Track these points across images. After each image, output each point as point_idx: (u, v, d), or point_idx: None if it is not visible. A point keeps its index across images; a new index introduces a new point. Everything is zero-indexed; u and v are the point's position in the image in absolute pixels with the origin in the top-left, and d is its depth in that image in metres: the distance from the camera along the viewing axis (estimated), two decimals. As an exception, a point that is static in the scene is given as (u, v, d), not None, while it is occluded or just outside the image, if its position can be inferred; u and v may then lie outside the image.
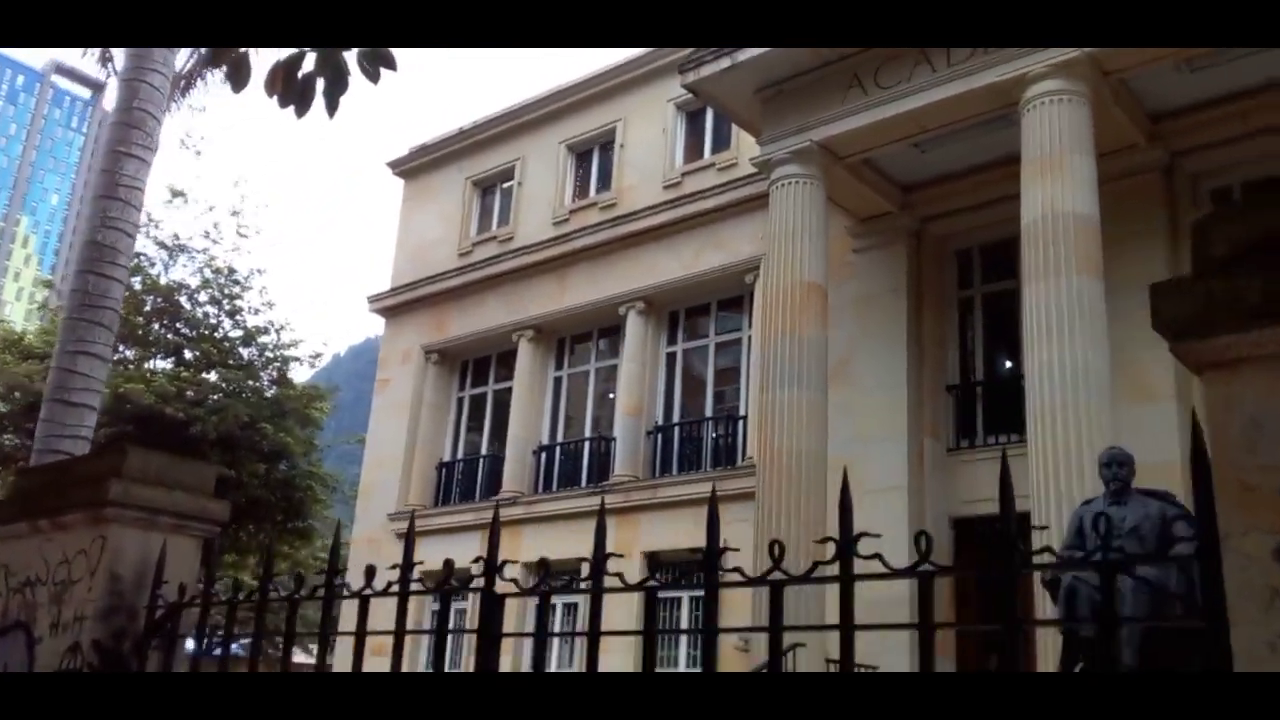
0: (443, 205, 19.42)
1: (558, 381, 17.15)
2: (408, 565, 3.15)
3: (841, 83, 11.61)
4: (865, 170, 12.57)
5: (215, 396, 20.14)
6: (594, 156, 17.73)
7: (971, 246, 13.19)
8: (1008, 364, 12.86)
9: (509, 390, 17.30)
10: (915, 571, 2.24)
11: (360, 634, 3.04)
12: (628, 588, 2.75)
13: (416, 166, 20.25)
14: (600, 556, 2.72)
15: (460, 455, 18.11)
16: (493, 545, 2.98)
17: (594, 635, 2.70)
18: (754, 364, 14.17)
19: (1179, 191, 11.41)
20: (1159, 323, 1.91)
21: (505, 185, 18.79)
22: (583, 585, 2.75)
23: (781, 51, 11.64)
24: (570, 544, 14.73)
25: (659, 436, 15.29)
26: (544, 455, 16.76)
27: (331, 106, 3.89)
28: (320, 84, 3.88)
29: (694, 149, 16.34)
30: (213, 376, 21.01)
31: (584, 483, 15.90)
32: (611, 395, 16.28)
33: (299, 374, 28.42)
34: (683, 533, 13.83)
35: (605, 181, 17.21)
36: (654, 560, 14.25)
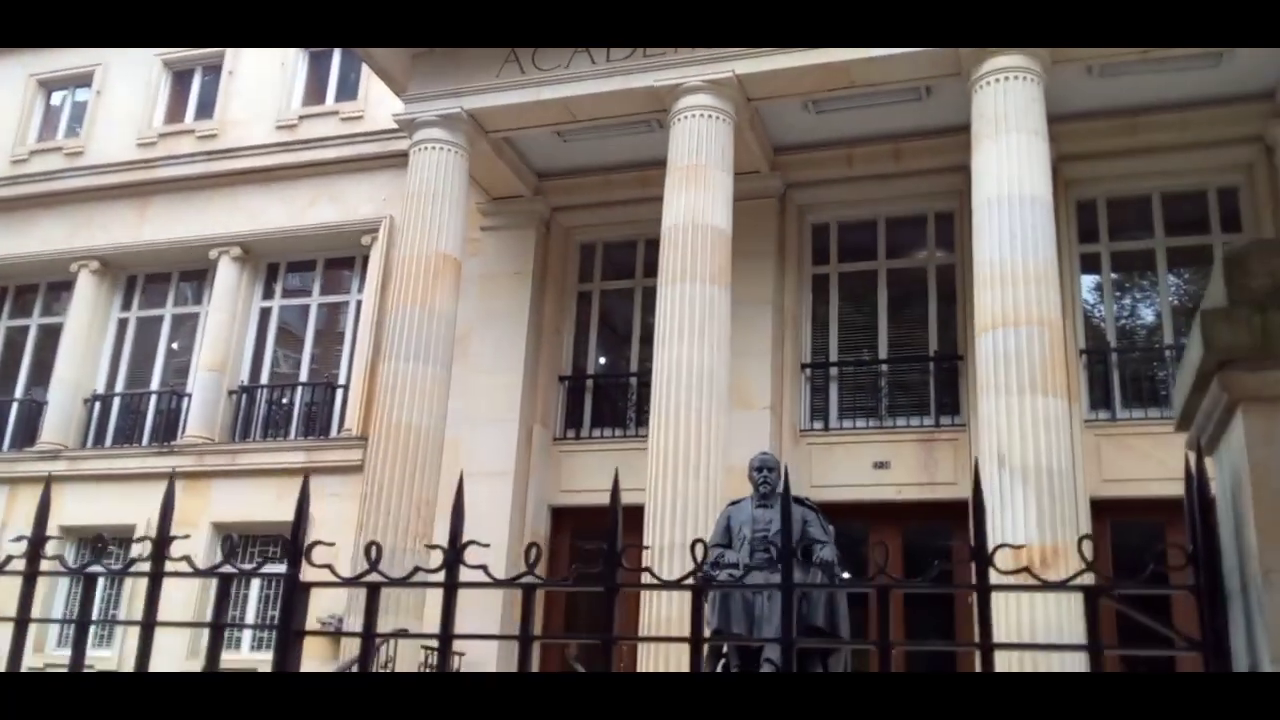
0: (-6, 101, 16.52)
1: (123, 323, 15.18)
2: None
3: (498, 55, 11.32)
4: (506, 148, 12.36)
5: None
6: (195, 78, 15.92)
7: (596, 242, 13.44)
8: (619, 361, 13.24)
9: (60, 326, 15.06)
10: (518, 583, 2.43)
11: None
12: (197, 573, 2.52)
13: (-39, 50, 17.04)
14: (165, 533, 2.47)
15: (-16, 396, 15.49)
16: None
17: (148, 625, 2.42)
18: (363, 330, 13.46)
19: (789, 220, 12.37)
20: (1209, 351, 1.89)
21: (80, 91, 16.35)
22: (142, 566, 2.51)
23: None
24: (124, 508, 13.14)
25: (243, 397, 14.02)
26: (98, 405, 14.76)
27: None
28: None
29: (316, 92, 15.21)
30: None
31: (146, 441, 14.20)
32: (188, 347, 14.71)
33: None
34: (263, 504, 12.78)
35: (207, 109, 15.52)
36: (225, 533, 13.05)
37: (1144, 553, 10.89)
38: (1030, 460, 8.60)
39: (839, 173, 12.20)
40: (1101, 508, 10.33)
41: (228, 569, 2.51)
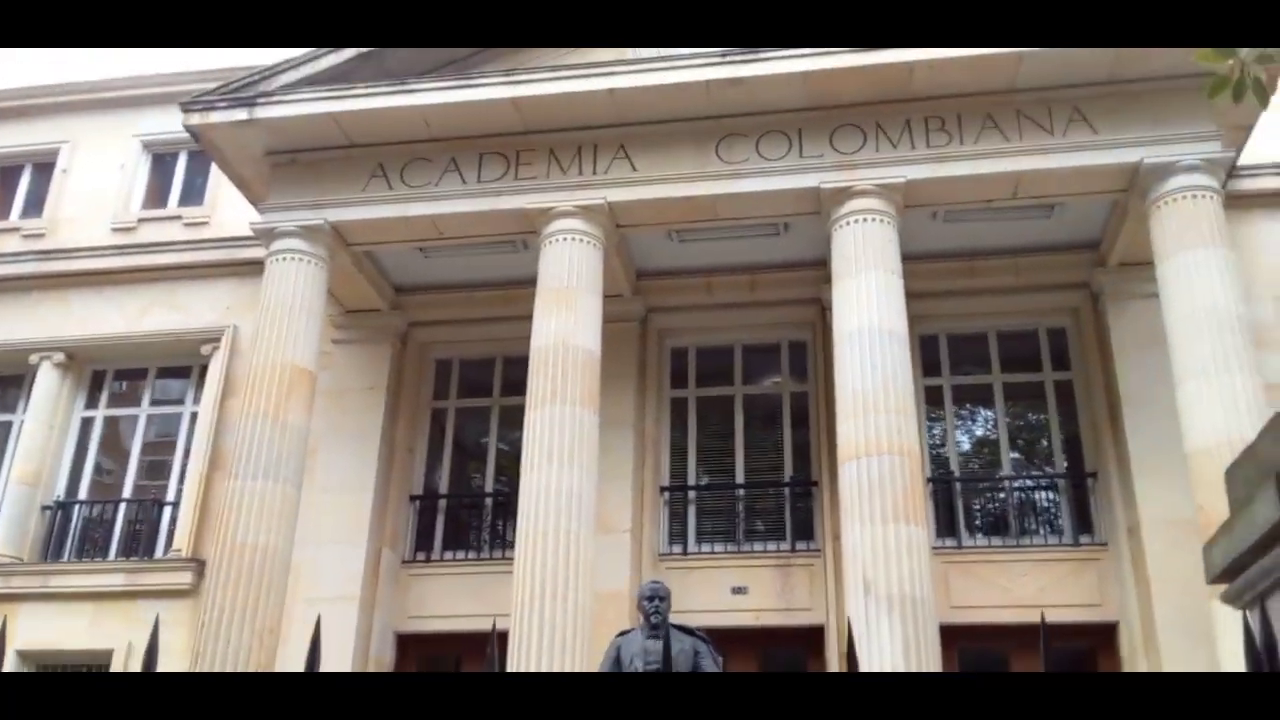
0: None
1: (-76, 431, 13.89)
2: None
3: (365, 168, 11.19)
4: (365, 262, 12.12)
5: None
6: (24, 175, 15.07)
7: (453, 358, 13.24)
8: (473, 481, 12.94)
9: None
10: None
11: None
12: None
13: None
14: None
15: None
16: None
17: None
18: (197, 444, 12.72)
19: (649, 343, 12.53)
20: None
21: (-111, 181, 15.21)
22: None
23: (308, 120, 10.96)
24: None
25: (58, 513, 12.93)
26: (-116, 520, 13.31)
27: None
28: None
29: (157, 196, 14.61)
30: None
31: (-58, 560, 12.87)
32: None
33: None
34: (76, 631, 11.74)
35: (36, 207, 14.66)
36: (31, 663, 11.88)
37: (992, 678, 11.24)
38: (895, 588, 8.79)
39: (699, 299, 12.50)
40: (949, 634, 10.59)
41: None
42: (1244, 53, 3.92)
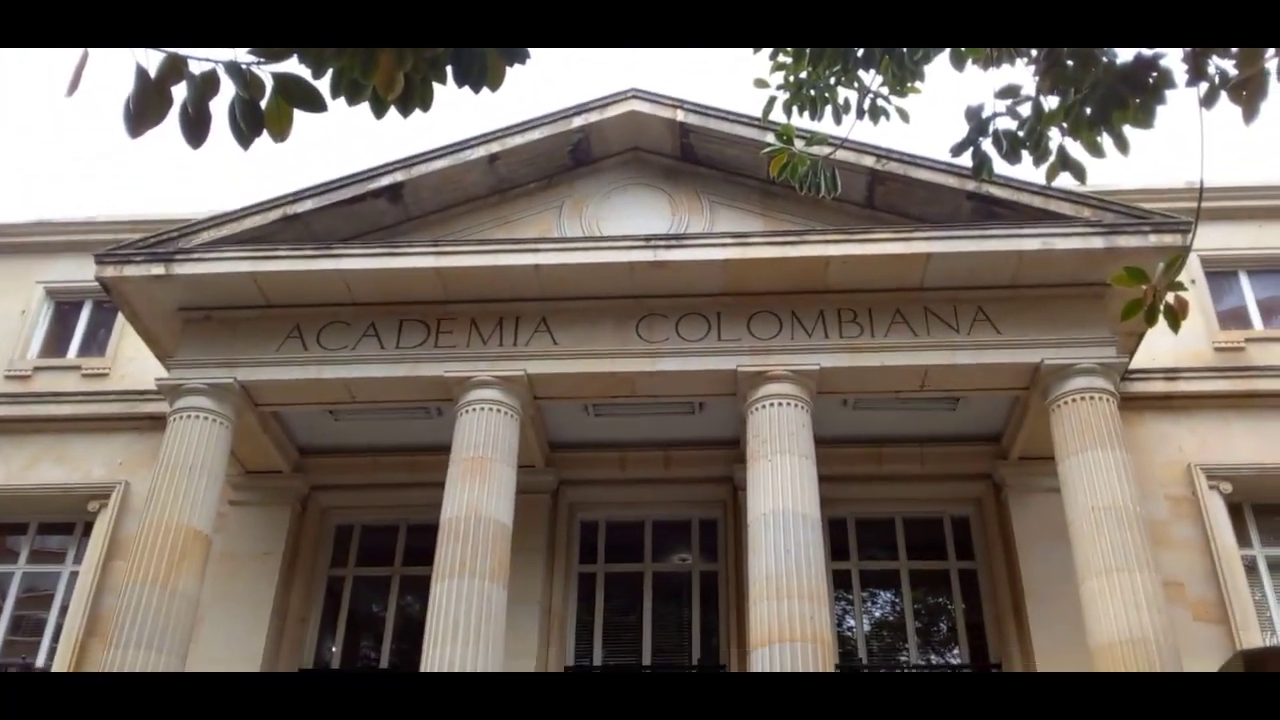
0: None
1: None
2: None
3: (281, 329, 11.06)
4: (272, 422, 11.84)
5: None
6: (-89, 315, 14.49)
7: (354, 524, 12.85)
8: (369, 654, 12.39)
9: None
10: None
11: None
12: None
13: None
14: None
15: None
16: None
17: None
18: (75, 605, 11.98)
19: (560, 516, 12.38)
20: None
21: None
22: None
23: (227, 278, 10.86)
24: None
25: (-90, 678, 11.93)
26: None
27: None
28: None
29: (57, 345, 14.15)
30: None
31: None
32: None
33: None
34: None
35: (-80, 349, 14.05)
36: None
37: None
38: (807, 782, 8.57)
39: (611, 474, 12.46)
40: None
41: None
42: (1157, 278, 4.19)
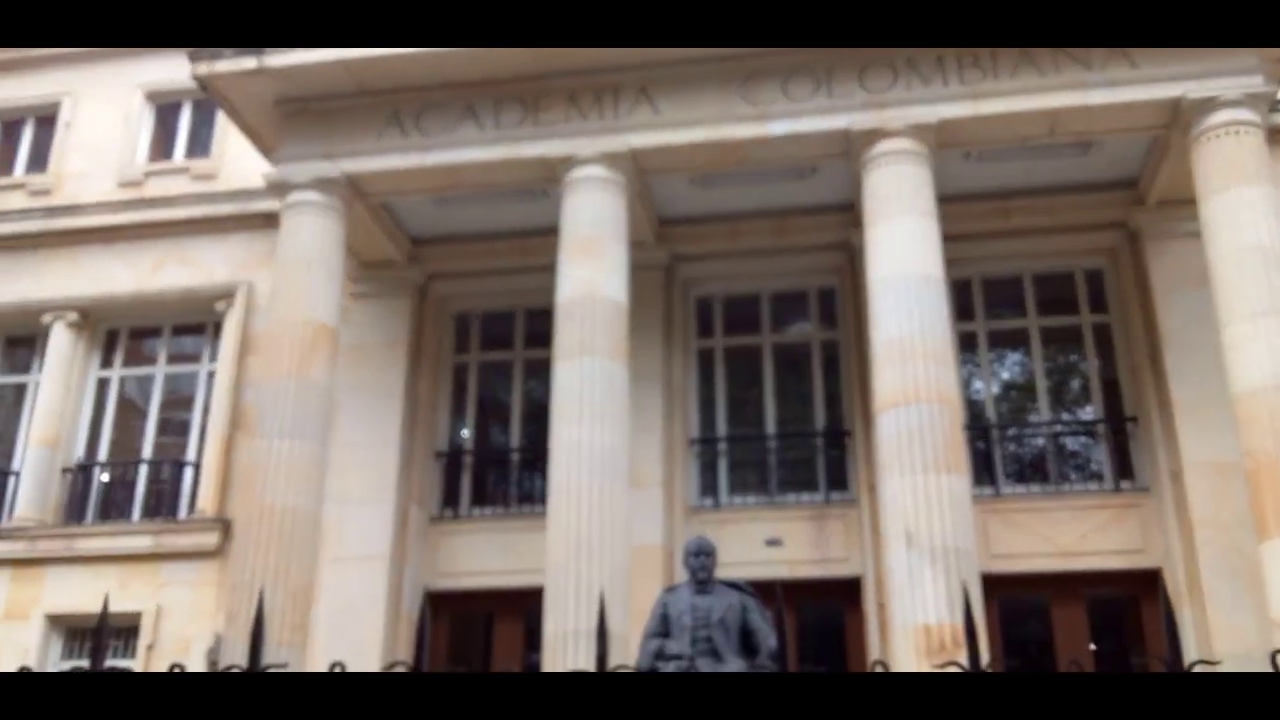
0: None
1: (-62, 394, 13.72)
2: None
3: (380, 117, 10.84)
4: (382, 213, 11.82)
5: None
6: (26, 129, 14.73)
7: (472, 312, 12.97)
8: (499, 437, 12.75)
9: None
10: None
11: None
12: None
13: None
14: None
15: None
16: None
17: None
18: (216, 403, 12.52)
19: (674, 293, 12.24)
20: None
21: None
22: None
23: (319, 68, 10.60)
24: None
25: (79, 476, 12.77)
26: (-97, 486, 13.19)
27: None
28: None
29: (163, 148, 14.26)
30: None
31: (-35, 524, 12.75)
32: (12, 420, 13.38)
33: None
34: (104, 594, 11.59)
35: (40, 162, 14.34)
36: (61, 625, 11.83)
37: (1031, 629, 11.12)
38: (938, 539, 8.61)
39: (724, 247, 12.18)
40: (990, 584, 10.42)
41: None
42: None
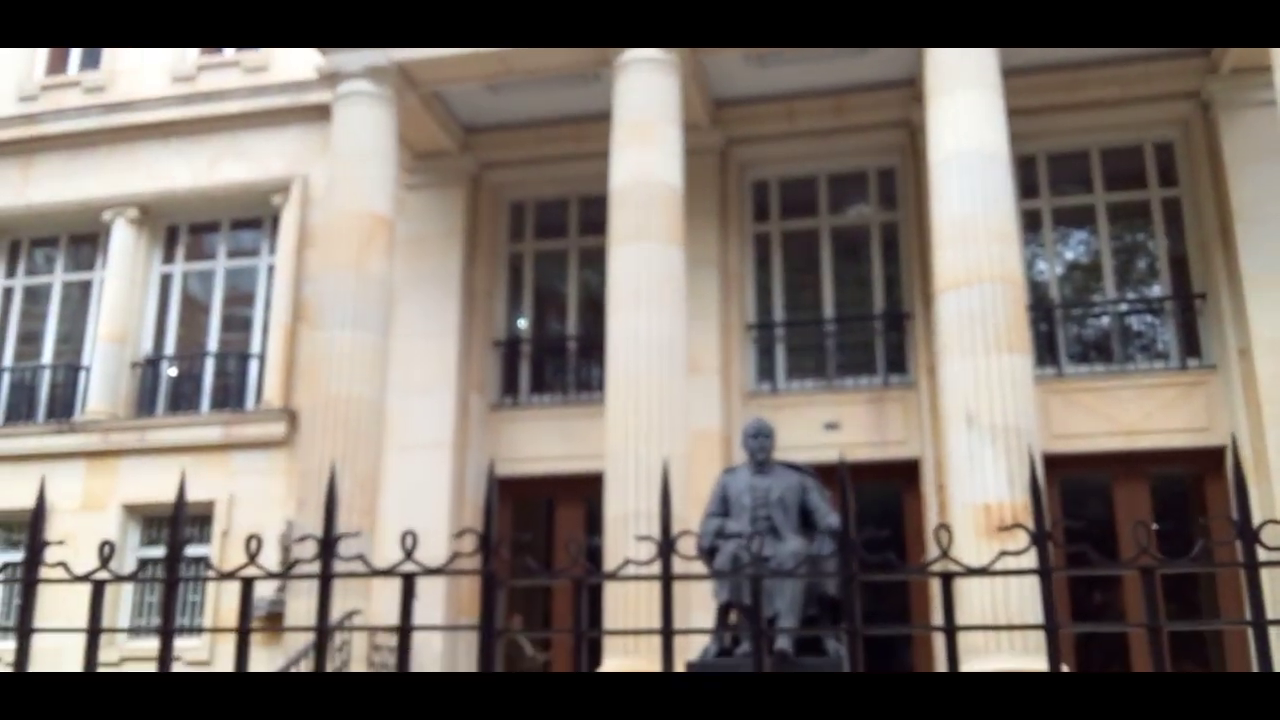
0: None
1: (7, 292, 14.03)
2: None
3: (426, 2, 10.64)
4: (434, 102, 11.72)
5: None
6: (77, 27, 14.70)
7: (527, 200, 12.92)
8: (555, 325, 12.80)
9: (-68, 297, 13.84)
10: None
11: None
12: (75, 578, 2.23)
13: None
14: (38, 538, 2.22)
15: None
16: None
17: (24, 631, 2.20)
18: (278, 296, 12.69)
19: (730, 176, 12.07)
20: None
21: (-56, 39, 14.93)
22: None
23: (365, -47, 10.39)
24: (17, 492, 12.17)
25: (147, 370, 13.09)
26: (-16, 381, 13.62)
27: None
28: None
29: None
30: None
31: (41, 418, 13.18)
32: (78, 316, 13.68)
33: None
34: (174, 484, 11.98)
35: (93, 60, 14.35)
36: (137, 515, 12.27)
37: (1091, 508, 11.08)
38: (998, 420, 8.55)
39: (780, 128, 11.94)
40: (1051, 464, 10.39)
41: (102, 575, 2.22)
42: None
